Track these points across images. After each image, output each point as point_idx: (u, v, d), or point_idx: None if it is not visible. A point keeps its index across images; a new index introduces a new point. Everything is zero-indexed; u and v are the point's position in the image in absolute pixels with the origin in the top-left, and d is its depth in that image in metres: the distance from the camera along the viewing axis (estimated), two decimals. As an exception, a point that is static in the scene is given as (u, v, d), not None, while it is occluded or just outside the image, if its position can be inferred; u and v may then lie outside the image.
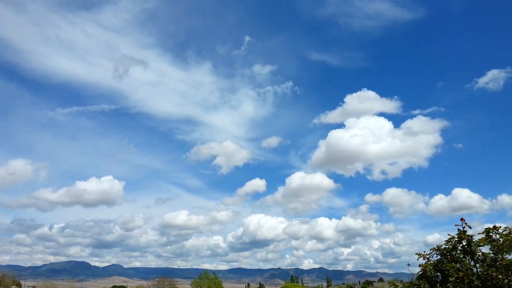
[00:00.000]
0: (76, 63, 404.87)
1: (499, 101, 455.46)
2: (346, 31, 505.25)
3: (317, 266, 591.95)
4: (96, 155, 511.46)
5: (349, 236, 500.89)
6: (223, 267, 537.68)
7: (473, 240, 8.86)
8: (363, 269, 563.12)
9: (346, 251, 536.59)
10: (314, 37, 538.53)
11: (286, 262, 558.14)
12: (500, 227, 8.79)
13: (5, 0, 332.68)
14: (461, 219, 9.01)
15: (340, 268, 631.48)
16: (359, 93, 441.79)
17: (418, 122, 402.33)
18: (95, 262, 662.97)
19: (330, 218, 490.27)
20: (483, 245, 8.79)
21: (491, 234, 8.85)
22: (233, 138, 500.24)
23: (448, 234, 9.34)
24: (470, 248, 8.85)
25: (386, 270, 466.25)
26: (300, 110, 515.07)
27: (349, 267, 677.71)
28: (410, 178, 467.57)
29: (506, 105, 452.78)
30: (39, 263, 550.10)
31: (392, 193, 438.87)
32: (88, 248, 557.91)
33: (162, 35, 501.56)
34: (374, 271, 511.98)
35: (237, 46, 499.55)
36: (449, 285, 8.67)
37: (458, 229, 9.04)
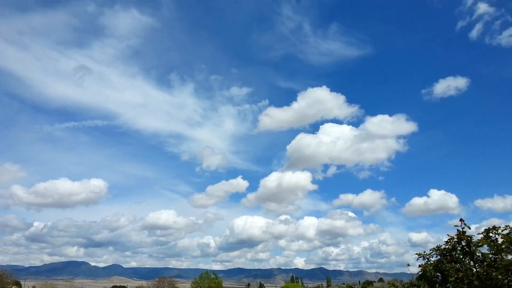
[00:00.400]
0: (71, 88, 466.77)
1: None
2: (306, 64, 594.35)
3: (312, 266, 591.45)
4: (91, 165, 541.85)
5: (333, 236, 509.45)
6: (218, 267, 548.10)
7: (473, 240, 8.85)
8: (363, 269, 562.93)
9: (329, 250, 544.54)
10: (281, 68, 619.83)
11: (273, 262, 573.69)
12: (500, 227, 8.80)
13: (11, 41, 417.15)
14: (460, 220, 9.01)
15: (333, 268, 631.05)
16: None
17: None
18: (95, 262, 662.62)
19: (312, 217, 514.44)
20: (482, 246, 8.80)
21: (490, 234, 8.84)
22: (217, 149, 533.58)
23: (448, 235, 9.35)
24: (469, 249, 8.84)
25: (378, 270, 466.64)
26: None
27: (342, 266, 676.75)
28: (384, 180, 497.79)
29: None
30: (39, 263, 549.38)
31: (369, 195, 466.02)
32: (88, 248, 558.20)
33: (146, 65, 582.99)
34: (374, 271, 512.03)
35: (215, 72, 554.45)
36: (449, 285, 8.67)
37: (458, 230, 9.04)
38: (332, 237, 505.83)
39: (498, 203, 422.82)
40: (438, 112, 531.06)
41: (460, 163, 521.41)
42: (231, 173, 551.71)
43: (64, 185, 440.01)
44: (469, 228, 8.98)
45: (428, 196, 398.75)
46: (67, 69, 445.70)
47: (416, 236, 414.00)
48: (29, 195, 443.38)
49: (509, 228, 8.74)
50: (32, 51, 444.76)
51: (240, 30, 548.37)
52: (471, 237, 8.86)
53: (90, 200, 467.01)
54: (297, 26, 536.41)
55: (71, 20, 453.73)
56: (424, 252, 10.03)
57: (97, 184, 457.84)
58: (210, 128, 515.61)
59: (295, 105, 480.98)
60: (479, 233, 8.99)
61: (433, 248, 9.78)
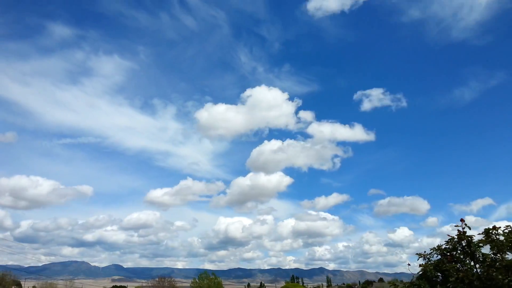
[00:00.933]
0: (68, 115, 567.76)
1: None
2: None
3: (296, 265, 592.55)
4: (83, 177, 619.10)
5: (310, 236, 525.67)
6: (212, 266, 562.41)
7: (473, 241, 8.85)
8: (364, 269, 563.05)
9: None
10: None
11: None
12: (500, 227, 8.78)
13: (16, 80, 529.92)
14: (461, 220, 8.99)
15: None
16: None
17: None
18: (95, 262, 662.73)
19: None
20: (482, 246, 8.78)
21: (491, 234, 8.83)
22: (200, 164, 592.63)
23: (448, 235, 9.33)
24: (470, 249, 8.84)
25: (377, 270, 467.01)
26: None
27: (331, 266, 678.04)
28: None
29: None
30: (39, 263, 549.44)
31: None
32: (88, 248, 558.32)
33: (131, 95, 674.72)
34: (374, 271, 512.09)
35: (190, 99, 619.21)
36: (449, 285, 8.65)
37: (458, 230, 9.02)
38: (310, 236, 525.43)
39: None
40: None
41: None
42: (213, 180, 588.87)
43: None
44: (469, 229, 8.97)
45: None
46: (63, 100, 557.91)
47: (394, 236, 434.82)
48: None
49: (510, 227, 8.72)
50: (34, 87, 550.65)
51: (206, 71, 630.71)
52: (471, 237, 8.84)
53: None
54: (252, 68, 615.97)
55: (64, 64, 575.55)
56: (425, 252, 10.01)
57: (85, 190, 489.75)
58: (192, 147, 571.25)
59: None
60: (479, 233, 8.98)
61: (434, 248, 9.74)
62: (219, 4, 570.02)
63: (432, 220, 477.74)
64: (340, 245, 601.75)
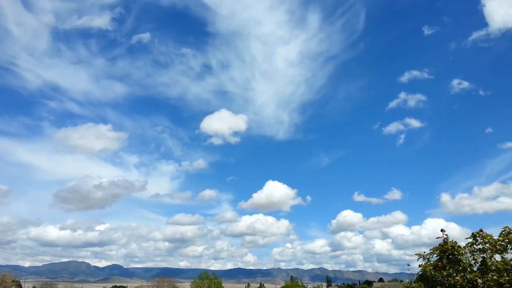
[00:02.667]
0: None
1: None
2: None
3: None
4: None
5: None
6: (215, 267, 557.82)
7: (457, 248, 8.99)
8: (364, 269, 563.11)
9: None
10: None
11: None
12: (485, 232, 8.95)
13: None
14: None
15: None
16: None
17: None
18: (95, 262, 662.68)
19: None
20: (466, 252, 8.94)
21: (477, 238, 8.96)
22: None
23: (430, 249, 9.62)
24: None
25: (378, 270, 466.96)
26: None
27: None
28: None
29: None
30: (39, 263, 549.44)
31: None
32: (87, 248, 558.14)
33: None
34: (374, 271, 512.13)
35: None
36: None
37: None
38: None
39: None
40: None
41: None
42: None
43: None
44: (447, 238, 9.20)
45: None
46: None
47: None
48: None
49: (509, 228, 8.85)
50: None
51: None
52: (455, 244, 9.02)
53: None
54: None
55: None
56: (424, 252, 10.10)
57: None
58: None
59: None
60: (466, 238, 9.14)
61: (434, 248, 9.80)
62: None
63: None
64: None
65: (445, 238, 9.13)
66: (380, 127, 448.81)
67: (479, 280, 8.19)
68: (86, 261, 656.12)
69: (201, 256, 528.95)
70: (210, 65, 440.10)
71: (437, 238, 9.21)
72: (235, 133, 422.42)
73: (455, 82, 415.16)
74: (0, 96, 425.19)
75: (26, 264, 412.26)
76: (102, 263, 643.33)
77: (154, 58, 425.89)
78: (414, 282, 10.05)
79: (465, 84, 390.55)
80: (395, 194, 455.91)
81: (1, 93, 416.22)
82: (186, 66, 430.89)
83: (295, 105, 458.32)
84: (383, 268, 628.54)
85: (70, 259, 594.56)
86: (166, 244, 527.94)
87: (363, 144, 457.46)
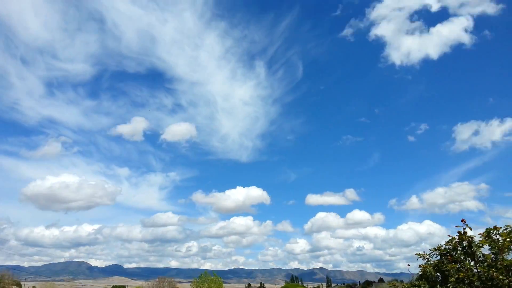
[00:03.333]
0: None
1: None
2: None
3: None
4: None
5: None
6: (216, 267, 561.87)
7: (474, 241, 8.82)
8: (364, 269, 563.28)
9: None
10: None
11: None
12: (501, 227, 8.75)
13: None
14: (462, 220, 8.95)
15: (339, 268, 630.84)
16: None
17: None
18: (95, 262, 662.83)
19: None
20: (483, 246, 8.75)
21: (491, 234, 8.80)
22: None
23: (449, 236, 9.30)
24: (470, 249, 8.81)
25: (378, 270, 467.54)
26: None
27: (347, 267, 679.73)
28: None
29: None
30: (39, 263, 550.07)
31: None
32: (87, 248, 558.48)
33: None
34: (374, 271, 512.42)
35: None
36: (449, 286, 8.64)
37: (458, 231, 8.99)
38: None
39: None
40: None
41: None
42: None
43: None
44: (470, 229, 8.94)
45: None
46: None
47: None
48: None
49: (510, 227, 8.70)
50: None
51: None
52: (472, 237, 8.81)
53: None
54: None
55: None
56: (424, 252, 10.00)
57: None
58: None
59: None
60: (479, 234, 8.95)
61: (433, 248, 9.73)
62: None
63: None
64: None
65: (465, 229, 8.92)
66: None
67: (497, 275, 8.01)
68: (86, 261, 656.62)
69: (201, 256, 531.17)
70: (181, 104, 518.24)
71: (456, 226, 9.03)
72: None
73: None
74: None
75: (26, 264, 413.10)
76: (102, 263, 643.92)
77: (132, 99, 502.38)
78: (415, 281, 9.92)
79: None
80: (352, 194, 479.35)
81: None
82: (160, 105, 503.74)
83: (255, 134, 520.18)
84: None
85: (70, 259, 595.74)
86: (166, 244, 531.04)
87: (324, 159, 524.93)
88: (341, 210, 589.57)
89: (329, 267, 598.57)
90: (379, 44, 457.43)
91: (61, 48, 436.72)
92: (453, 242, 9.12)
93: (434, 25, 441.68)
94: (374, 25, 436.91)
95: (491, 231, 8.76)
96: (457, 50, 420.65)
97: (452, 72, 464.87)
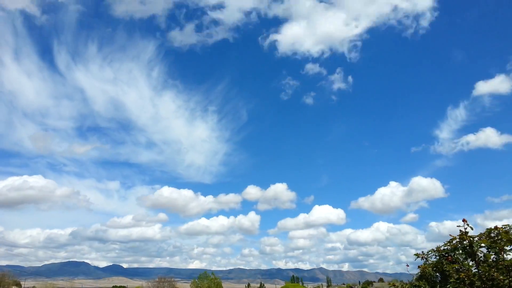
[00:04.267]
0: None
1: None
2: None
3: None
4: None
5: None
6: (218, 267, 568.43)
7: (475, 241, 8.78)
8: (364, 269, 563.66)
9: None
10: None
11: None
12: (502, 227, 8.71)
13: None
14: (463, 220, 8.92)
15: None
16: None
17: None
18: (95, 262, 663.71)
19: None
20: (484, 246, 8.71)
21: (492, 234, 8.75)
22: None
23: (450, 235, 9.28)
24: (471, 249, 8.77)
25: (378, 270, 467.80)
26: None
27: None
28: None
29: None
30: (39, 263, 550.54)
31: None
32: (87, 248, 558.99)
33: None
34: (374, 271, 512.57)
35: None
36: (449, 286, 8.62)
37: (460, 230, 8.96)
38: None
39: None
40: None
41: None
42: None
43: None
44: (472, 229, 8.89)
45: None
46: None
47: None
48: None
49: (509, 226, 8.67)
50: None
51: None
52: (473, 237, 8.76)
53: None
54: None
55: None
56: (423, 252, 10.02)
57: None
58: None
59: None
60: (480, 233, 8.91)
61: (432, 249, 9.77)
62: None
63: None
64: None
65: (466, 229, 8.87)
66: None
67: (497, 275, 7.96)
68: (86, 261, 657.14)
69: (200, 257, 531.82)
70: (154, 141, 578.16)
71: (457, 226, 8.99)
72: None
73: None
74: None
75: (26, 264, 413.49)
76: (102, 263, 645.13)
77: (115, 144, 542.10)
78: (415, 281, 9.91)
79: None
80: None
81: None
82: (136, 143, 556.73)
83: (218, 161, 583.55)
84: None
85: (70, 259, 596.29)
86: (166, 244, 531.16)
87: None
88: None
89: (329, 267, 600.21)
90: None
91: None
92: (454, 242, 9.10)
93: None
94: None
95: (492, 231, 8.73)
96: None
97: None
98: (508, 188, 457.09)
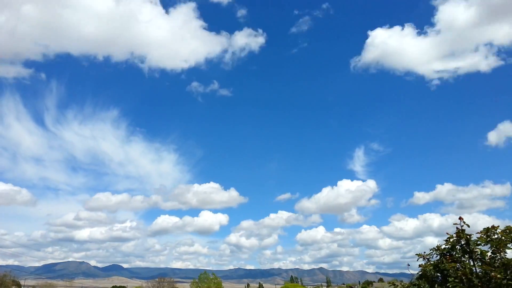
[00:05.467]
0: None
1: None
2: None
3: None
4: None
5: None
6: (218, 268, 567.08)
7: (472, 239, 8.81)
8: (364, 270, 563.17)
9: None
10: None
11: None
12: (498, 226, 8.77)
13: None
14: (460, 218, 8.96)
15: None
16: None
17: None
18: (95, 262, 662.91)
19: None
20: (481, 244, 8.76)
21: (489, 233, 8.82)
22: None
23: (447, 233, 9.32)
24: (468, 247, 8.79)
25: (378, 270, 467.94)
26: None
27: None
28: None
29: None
30: (39, 264, 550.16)
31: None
32: (87, 248, 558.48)
33: None
34: (374, 271, 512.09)
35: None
36: (449, 285, 8.64)
37: (457, 228, 8.99)
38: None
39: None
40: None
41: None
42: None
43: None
44: (468, 226, 8.93)
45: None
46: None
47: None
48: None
49: (509, 228, 8.72)
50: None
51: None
52: (470, 235, 8.81)
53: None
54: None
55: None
56: (424, 252, 10.02)
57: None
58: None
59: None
60: (477, 232, 8.96)
61: (433, 248, 9.76)
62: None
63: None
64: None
65: (462, 226, 8.92)
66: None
67: (495, 274, 8.01)
68: (86, 261, 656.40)
69: (200, 256, 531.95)
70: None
71: (454, 224, 9.05)
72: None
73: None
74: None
75: (26, 264, 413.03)
76: (102, 263, 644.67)
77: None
78: (415, 281, 9.93)
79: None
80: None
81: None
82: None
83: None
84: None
85: (70, 259, 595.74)
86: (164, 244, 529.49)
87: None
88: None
89: (329, 267, 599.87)
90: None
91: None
92: (451, 241, 9.13)
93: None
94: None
95: (490, 230, 8.78)
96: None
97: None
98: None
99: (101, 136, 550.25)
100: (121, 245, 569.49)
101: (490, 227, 8.81)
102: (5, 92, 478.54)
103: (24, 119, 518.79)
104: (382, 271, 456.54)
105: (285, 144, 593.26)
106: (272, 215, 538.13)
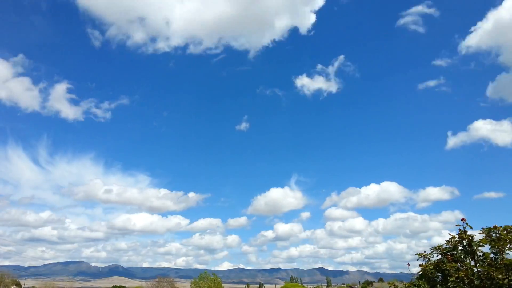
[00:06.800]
0: None
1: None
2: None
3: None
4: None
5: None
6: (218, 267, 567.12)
7: (474, 240, 8.77)
8: (364, 270, 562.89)
9: None
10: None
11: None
12: (500, 227, 8.74)
13: None
14: (462, 219, 8.93)
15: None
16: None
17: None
18: (95, 262, 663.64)
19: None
20: (483, 245, 8.73)
21: (491, 234, 8.79)
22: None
23: (449, 234, 9.29)
24: (471, 248, 8.77)
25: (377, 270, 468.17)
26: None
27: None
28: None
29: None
30: (39, 263, 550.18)
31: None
32: (87, 248, 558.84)
33: None
34: (374, 271, 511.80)
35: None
36: (449, 285, 8.61)
37: (459, 229, 8.97)
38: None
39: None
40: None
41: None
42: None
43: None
44: (471, 228, 8.92)
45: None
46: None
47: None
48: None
49: (509, 228, 8.70)
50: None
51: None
52: (472, 236, 8.79)
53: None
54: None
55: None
56: (425, 252, 9.96)
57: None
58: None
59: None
60: (479, 233, 8.93)
61: (434, 247, 9.68)
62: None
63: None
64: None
65: (465, 228, 8.86)
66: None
67: (496, 275, 7.99)
68: (86, 261, 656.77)
69: (200, 256, 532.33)
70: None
71: (456, 225, 9.01)
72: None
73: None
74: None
75: (26, 264, 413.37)
76: (102, 263, 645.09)
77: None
78: (416, 281, 9.90)
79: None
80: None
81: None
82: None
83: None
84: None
85: (70, 259, 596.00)
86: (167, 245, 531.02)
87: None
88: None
89: (330, 267, 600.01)
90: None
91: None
92: (453, 241, 9.10)
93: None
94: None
95: (491, 230, 8.75)
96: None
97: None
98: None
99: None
100: (121, 245, 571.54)
101: (492, 227, 8.78)
102: None
103: None
104: (382, 271, 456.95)
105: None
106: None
